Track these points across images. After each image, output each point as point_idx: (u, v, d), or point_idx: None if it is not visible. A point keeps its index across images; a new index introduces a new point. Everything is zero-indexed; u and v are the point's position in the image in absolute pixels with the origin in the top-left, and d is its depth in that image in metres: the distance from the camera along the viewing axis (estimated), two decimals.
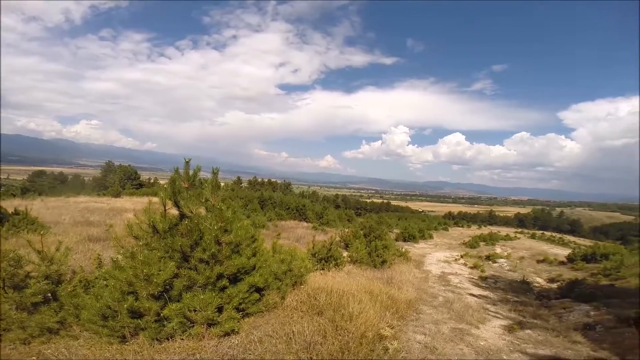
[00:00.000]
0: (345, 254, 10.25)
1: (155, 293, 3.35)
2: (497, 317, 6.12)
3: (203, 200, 3.98)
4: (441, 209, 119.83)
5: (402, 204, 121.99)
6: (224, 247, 3.72)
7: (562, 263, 15.24)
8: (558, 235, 44.65)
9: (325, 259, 8.56)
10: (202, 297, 3.37)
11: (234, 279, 3.83)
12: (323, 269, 7.93)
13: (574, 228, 69.67)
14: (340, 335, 3.63)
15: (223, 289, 3.64)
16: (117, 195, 25.96)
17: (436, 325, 5.08)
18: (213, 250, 3.60)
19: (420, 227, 28.41)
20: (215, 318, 3.47)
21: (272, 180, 56.71)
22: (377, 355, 3.52)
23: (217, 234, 3.65)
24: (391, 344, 3.77)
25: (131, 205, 18.36)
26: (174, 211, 3.97)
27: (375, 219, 28.02)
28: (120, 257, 3.64)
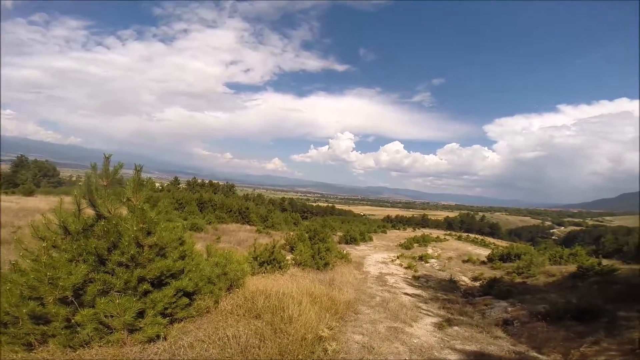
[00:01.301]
0: (289, 257, 10.11)
1: (65, 297, 3.09)
2: (429, 315, 6.48)
3: (124, 200, 3.67)
4: (381, 212, 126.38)
5: (346, 207, 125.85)
6: (146, 249, 3.46)
7: (483, 263, 16.73)
8: (480, 237, 49.84)
9: (268, 262, 8.36)
10: (118, 301, 3.16)
11: (159, 283, 3.60)
12: (265, 272, 7.72)
13: (493, 230, 78.68)
14: (279, 338, 3.59)
15: (145, 293, 3.45)
16: (29, 193, 22.49)
17: (373, 325, 5.19)
18: (132, 252, 3.35)
19: (361, 230, 29.46)
20: (136, 324, 3.30)
21: (214, 181, 54.08)
22: (317, 357, 3.52)
23: (137, 235, 3.39)
24: (330, 345, 3.78)
25: (46, 205, 15.97)
26: (90, 211, 3.67)
27: (320, 222, 28.37)
28: (20, 259, 3.28)
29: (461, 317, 6.52)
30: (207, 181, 52.56)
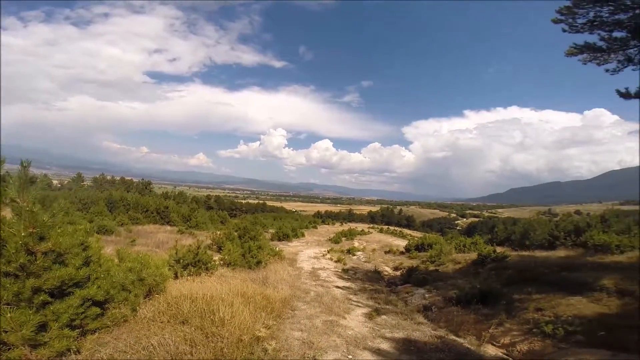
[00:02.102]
0: (217, 257, 9.53)
1: None
2: (359, 306, 6.77)
3: (7, 201, 3.11)
4: (311, 208, 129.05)
5: (278, 204, 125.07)
6: (39, 257, 2.98)
7: (402, 253, 18.10)
8: (399, 229, 54.49)
9: (193, 264, 7.76)
10: (10, 315, 2.77)
11: (60, 293, 3.21)
12: (190, 275, 7.13)
13: (409, 222, 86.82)
14: (212, 342, 3.46)
15: (44, 304, 3.12)
16: None
17: (310, 320, 5.23)
18: (22, 261, 2.89)
19: (293, 227, 29.56)
20: (39, 338, 2.99)
21: (127, 178, 48.25)
22: (257, 357, 3.45)
23: (27, 241, 2.90)
24: (269, 344, 3.73)
25: None
26: None
27: (250, 220, 27.58)
28: None
29: (387, 306, 6.96)
30: (118, 178, 46.57)
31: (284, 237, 23.16)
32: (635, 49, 8.34)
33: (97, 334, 3.55)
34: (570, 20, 8.65)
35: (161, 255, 8.45)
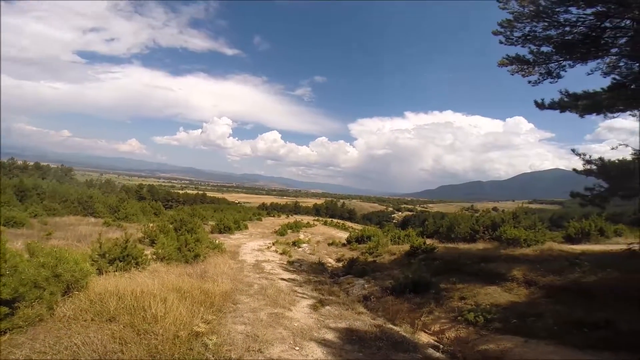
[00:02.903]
0: (149, 251, 8.85)
1: None
2: (304, 298, 6.87)
3: None
4: (256, 200, 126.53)
5: (219, 195, 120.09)
6: None
7: (344, 245, 18.81)
8: (342, 221, 56.31)
9: (121, 258, 7.13)
10: None
11: None
12: (118, 271, 6.54)
13: (351, 215, 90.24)
14: (145, 339, 3.33)
15: None
16: None
17: (254, 313, 5.17)
18: None
19: (235, 219, 28.69)
20: None
21: (42, 163, 41.95)
22: (198, 354, 3.35)
23: None
24: (210, 339, 3.64)
25: None
26: None
27: (188, 212, 26.11)
28: None
29: (331, 297, 7.17)
30: (31, 163, 40.28)
31: (225, 229, 22.36)
32: (556, 63, 9.62)
33: (7, 335, 3.36)
34: (508, 33, 9.65)
35: (83, 249, 7.60)
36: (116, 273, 6.18)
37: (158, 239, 10.41)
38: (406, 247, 12.89)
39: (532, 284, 7.17)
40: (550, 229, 15.38)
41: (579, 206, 9.35)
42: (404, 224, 61.43)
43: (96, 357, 3.05)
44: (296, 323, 5.00)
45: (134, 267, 7.01)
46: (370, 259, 12.92)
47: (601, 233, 11.66)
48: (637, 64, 8.61)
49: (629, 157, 8.20)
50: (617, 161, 8.20)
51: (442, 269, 9.41)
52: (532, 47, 9.58)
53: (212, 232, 20.41)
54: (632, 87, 8.45)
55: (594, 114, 8.95)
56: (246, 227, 27.63)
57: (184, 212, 25.27)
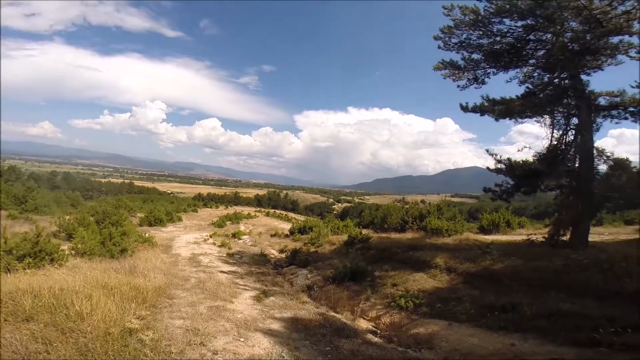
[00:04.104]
0: (67, 246, 7.91)
1: None
2: (247, 289, 6.82)
3: None
4: (191, 190, 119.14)
5: (149, 184, 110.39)
6: None
7: (287, 236, 19.01)
8: (284, 212, 56.25)
9: (32, 254, 6.30)
10: None
11: None
12: (29, 268, 5.80)
13: (294, 207, 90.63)
14: (72, 338, 3.16)
15: None
16: None
17: (193, 307, 5.02)
18: None
19: (168, 210, 26.85)
20: None
21: None
22: (135, 350, 3.22)
23: None
24: (146, 335, 3.52)
25: None
26: None
27: (112, 203, 23.65)
28: None
29: (275, 288, 7.25)
30: None
31: (156, 222, 20.79)
32: (482, 70, 10.77)
33: None
34: (447, 38, 10.51)
35: None
36: (27, 271, 5.45)
37: (77, 232, 9.31)
38: (345, 237, 13.44)
39: (452, 271, 8.02)
40: (468, 220, 17.40)
41: (490, 200, 10.76)
42: (344, 215, 63.76)
43: (19, 359, 2.84)
44: (239, 315, 4.97)
45: (48, 263, 6.23)
46: (312, 249, 13.28)
47: (508, 225, 13.38)
48: (548, 75, 10.12)
49: (531, 159, 9.72)
50: (521, 162, 9.64)
51: (376, 258, 10.09)
52: (465, 53, 10.63)
53: (140, 225, 18.87)
54: (540, 95, 9.93)
55: (507, 118, 10.34)
56: (180, 219, 26.04)
57: (107, 203, 22.86)
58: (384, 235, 13.12)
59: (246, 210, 44.10)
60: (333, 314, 5.92)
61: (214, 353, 3.49)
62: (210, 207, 47.50)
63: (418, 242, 10.86)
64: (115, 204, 23.58)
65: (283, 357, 3.62)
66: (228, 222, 25.84)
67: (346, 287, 7.85)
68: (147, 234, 12.62)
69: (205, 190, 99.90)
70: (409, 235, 12.40)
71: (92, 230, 10.70)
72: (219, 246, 13.67)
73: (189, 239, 15.18)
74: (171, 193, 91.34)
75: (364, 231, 13.85)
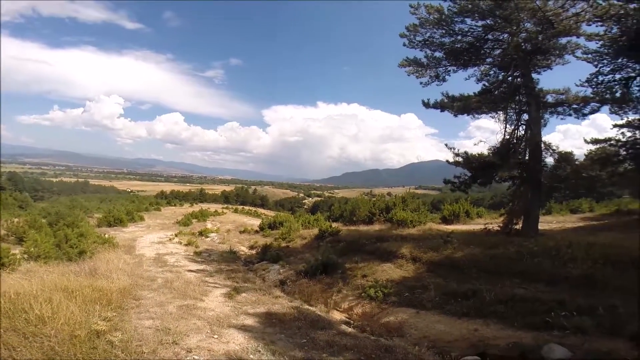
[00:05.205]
0: (18, 250, 7.35)
1: None
2: (217, 287, 6.73)
3: None
4: (153, 188, 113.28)
5: (106, 183, 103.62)
6: None
7: (256, 232, 18.87)
8: (253, 208, 55.37)
9: None
10: None
11: None
12: None
13: (263, 202, 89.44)
14: (36, 342, 3.08)
15: None
16: None
17: (162, 307, 4.91)
18: None
19: (128, 209, 25.57)
20: None
21: None
22: (104, 352, 3.16)
23: None
24: (114, 336, 3.46)
25: None
26: None
27: (66, 203, 22.10)
28: None
29: (246, 284, 7.22)
30: None
31: (116, 222, 19.78)
32: (443, 68, 11.27)
33: None
34: (412, 36, 10.85)
35: None
36: None
37: (28, 235, 8.67)
38: (315, 231, 13.67)
39: (417, 260, 8.41)
40: (431, 211, 18.27)
41: (450, 191, 11.41)
42: (314, 209, 64.09)
43: None
44: (211, 312, 4.92)
45: None
46: (283, 244, 13.33)
47: (467, 215, 14.23)
48: (503, 73, 10.81)
49: (486, 152, 10.42)
50: (477, 155, 10.31)
51: (346, 250, 10.34)
52: (428, 51, 11.09)
53: (99, 226, 17.87)
54: (495, 93, 10.62)
55: (465, 114, 10.99)
56: (142, 219, 24.88)
57: (60, 203, 21.34)
58: (353, 227, 13.47)
59: (213, 207, 42.90)
60: (307, 307, 6.02)
61: (187, 351, 3.46)
62: (175, 205, 45.69)
63: (385, 233, 11.25)
64: (69, 205, 22.08)
65: (259, 351, 3.65)
66: (194, 220, 25.06)
67: (319, 280, 7.99)
68: (107, 235, 12.03)
69: (168, 187, 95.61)
70: (376, 227, 12.79)
71: (45, 232, 10.03)
72: (186, 245, 13.29)
73: (152, 239, 14.60)
74: (131, 191, 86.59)
75: (334, 224, 14.14)
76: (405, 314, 5.93)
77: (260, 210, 50.94)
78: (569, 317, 4.57)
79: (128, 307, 4.76)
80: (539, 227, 9.80)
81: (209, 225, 22.71)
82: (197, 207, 39.98)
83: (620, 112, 10.40)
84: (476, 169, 10.32)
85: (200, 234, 17.66)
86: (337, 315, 6.16)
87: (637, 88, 10.40)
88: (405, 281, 7.40)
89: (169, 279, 6.88)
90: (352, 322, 5.94)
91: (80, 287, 4.72)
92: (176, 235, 16.01)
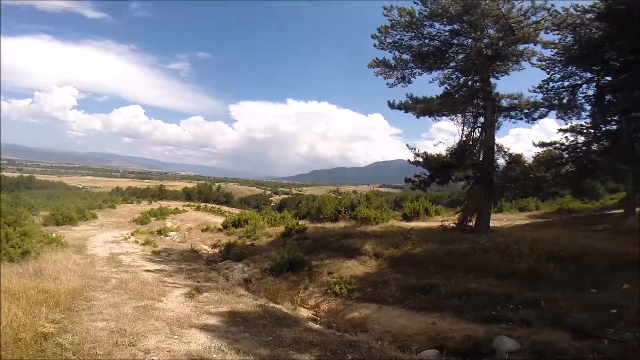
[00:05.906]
0: None
1: None
2: (177, 287, 6.51)
3: None
4: (108, 184, 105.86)
5: (55, 178, 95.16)
6: None
7: (220, 230, 18.28)
8: (217, 206, 53.75)
9: None
10: None
11: None
12: None
13: (228, 199, 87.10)
14: None
15: None
16: None
17: (116, 308, 4.69)
18: None
19: (79, 207, 23.80)
20: None
21: None
22: (54, 354, 3.03)
23: None
24: (64, 339, 3.32)
25: None
26: None
27: (7, 200, 20.03)
28: None
29: (208, 284, 7.04)
30: None
31: (65, 220, 18.33)
32: (409, 70, 11.67)
33: None
34: (383, 38, 11.10)
35: None
36: None
37: None
38: (282, 228, 13.59)
39: (379, 257, 8.67)
40: (394, 209, 18.93)
41: (411, 190, 11.93)
42: (281, 207, 63.59)
43: None
44: (170, 313, 4.77)
45: None
46: (248, 242, 13.10)
47: (427, 212, 14.82)
48: (464, 77, 11.44)
49: (444, 153, 11.01)
50: (436, 155, 10.87)
51: (312, 247, 10.43)
52: (397, 53, 11.44)
53: (46, 225, 16.45)
54: (456, 96, 11.21)
55: (427, 116, 11.51)
56: (95, 217, 23.27)
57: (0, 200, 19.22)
58: (319, 225, 13.60)
59: (173, 204, 41.06)
60: (273, 305, 6.01)
61: (145, 352, 3.34)
62: (131, 203, 43.17)
63: (349, 230, 11.47)
64: (11, 202, 20.09)
65: (222, 350, 3.60)
66: (152, 219, 23.85)
67: (285, 277, 7.98)
68: (54, 234, 11.12)
69: (124, 183, 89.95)
70: (341, 224, 12.99)
71: None
72: (143, 244, 12.65)
73: (106, 238, 13.73)
74: (83, 187, 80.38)
75: (301, 222, 14.11)
76: (368, 309, 6.11)
77: (225, 208, 49.61)
78: (515, 310, 4.86)
79: (79, 308, 4.51)
80: (491, 224, 10.53)
81: (168, 223, 21.75)
82: (156, 205, 38.03)
83: (565, 117, 11.49)
84: (435, 168, 10.88)
85: (159, 232, 16.87)
86: (304, 313, 6.21)
87: (582, 95, 11.56)
88: (368, 277, 7.59)
89: (124, 280, 6.56)
90: (318, 318, 6.01)
91: (24, 288, 4.45)
92: (132, 234, 15.19)
